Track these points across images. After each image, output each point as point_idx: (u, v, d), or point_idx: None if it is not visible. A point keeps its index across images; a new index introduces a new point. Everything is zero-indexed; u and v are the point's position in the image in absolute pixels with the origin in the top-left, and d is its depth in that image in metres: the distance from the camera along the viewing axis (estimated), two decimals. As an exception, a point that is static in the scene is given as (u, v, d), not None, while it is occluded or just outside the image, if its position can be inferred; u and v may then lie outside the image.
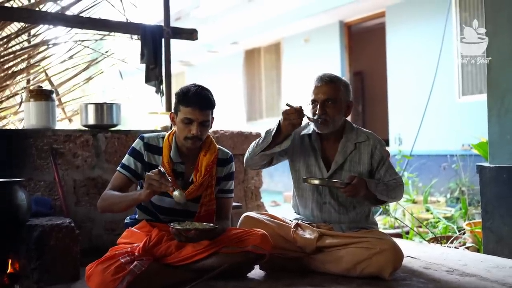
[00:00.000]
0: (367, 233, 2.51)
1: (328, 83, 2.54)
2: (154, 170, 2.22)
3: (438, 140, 7.18)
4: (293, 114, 2.37)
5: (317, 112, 2.52)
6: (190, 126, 2.34)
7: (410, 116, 7.45)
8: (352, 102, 2.65)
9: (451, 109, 7.22)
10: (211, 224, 2.36)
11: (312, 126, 2.67)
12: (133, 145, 2.49)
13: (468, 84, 7.18)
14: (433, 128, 6.96)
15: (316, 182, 2.48)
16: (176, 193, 2.21)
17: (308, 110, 2.58)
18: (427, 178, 6.55)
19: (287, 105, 2.41)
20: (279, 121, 2.42)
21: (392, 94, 8.27)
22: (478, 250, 3.63)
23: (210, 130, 3.69)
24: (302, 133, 2.70)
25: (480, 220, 4.36)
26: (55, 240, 2.49)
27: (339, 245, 2.46)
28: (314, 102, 2.56)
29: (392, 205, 5.15)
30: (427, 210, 5.21)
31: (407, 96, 7.90)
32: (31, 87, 3.43)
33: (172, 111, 2.44)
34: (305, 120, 2.50)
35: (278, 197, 8.21)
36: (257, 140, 2.57)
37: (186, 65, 12.76)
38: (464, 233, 4.15)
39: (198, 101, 2.33)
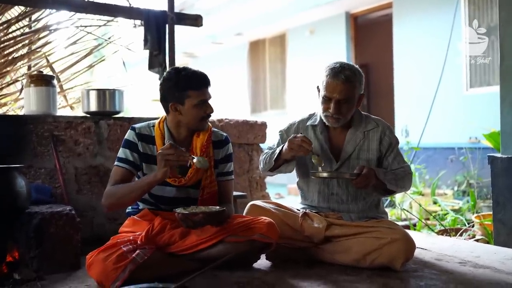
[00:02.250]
0: (377, 222, 2.43)
1: (344, 82, 2.37)
2: (164, 146, 2.16)
3: (445, 132, 7.08)
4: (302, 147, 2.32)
5: (330, 110, 2.41)
6: (204, 107, 2.32)
7: (416, 108, 7.35)
8: (364, 94, 2.52)
9: (459, 102, 7.11)
10: (218, 207, 2.28)
11: (317, 117, 2.58)
12: (125, 137, 2.41)
13: (476, 76, 7.07)
14: (440, 120, 6.86)
15: (325, 175, 2.37)
16: (196, 159, 2.15)
17: (318, 105, 2.50)
18: (434, 171, 6.48)
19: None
20: (282, 146, 2.41)
21: (398, 86, 8.16)
22: (487, 243, 3.55)
23: (215, 119, 3.64)
24: (307, 124, 2.61)
25: (489, 213, 4.29)
26: (55, 228, 2.41)
27: (348, 235, 2.38)
28: (327, 98, 2.43)
29: (398, 197, 5.08)
30: (435, 203, 5.13)
31: (413, 89, 7.79)
32: (32, 72, 3.34)
33: (171, 101, 2.32)
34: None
35: (282, 189, 8.15)
36: (265, 155, 2.56)
37: (190, 56, 12.66)
38: (473, 226, 4.07)
39: (204, 80, 2.32)
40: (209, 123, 2.46)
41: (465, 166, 6.09)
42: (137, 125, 2.42)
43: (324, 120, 2.51)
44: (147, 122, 2.46)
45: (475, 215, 4.28)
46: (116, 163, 2.37)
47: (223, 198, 2.49)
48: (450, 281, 2.16)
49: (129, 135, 2.40)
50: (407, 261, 2.33)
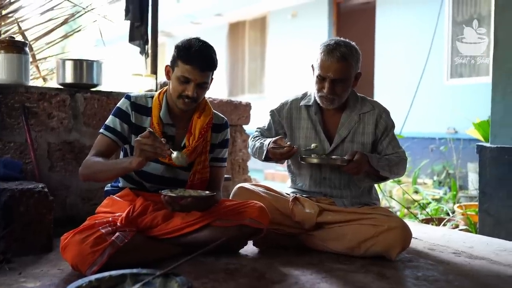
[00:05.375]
0: (372, 209, 2.31)
1: (340, 60, 2.23)
2: (143, 134, 1.94)
3: (423, 122, 7.08)
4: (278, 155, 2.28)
5: (324, 90, 2.28)
6: (186, 85, 2.09)
7: (396, 97, 7.31)
8: (361, 73, 2.39)
9: (438, 92, 7.11)
10: (207, 192, 2.13)
11: (312, 97, 2.44)
12: (118, 104, 2.22)
13: (456, 67, 7.06)
14: (418, 110, 6.83)
15: (315, 160, 2.28)
16: (175, 155, 1.93)
17: (312, 84, 2.36)
18: (411, 160, 6.46)
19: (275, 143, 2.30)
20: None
21: (378, 75, 8.12)
22: (470, 233, 3.52)
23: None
24: (300, 104, 2.47)
25: (469, 203, 4.27)
26: (26, 206, 2.21)
27: (342, 222, 2.27)
28: (321, 77, 2.28)
29: (381, 185, 5.01)
30: (416, 192, 5.09)
31: (394, 77, 7.75)
32: (2, 38, 3.08)
33: (169, 64, 2.18)
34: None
35: (259, 175, 8.00)
36: (254, 141, 2.48)
37: (167, 36, 12.32)
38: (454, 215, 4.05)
39: (199, 60, 2.07)
40: (211, 107, 2.29)
41: (444, 157, 6.08)
42: (133, 94, 2.23)
43: (318, 101, 2.37)
44: (145, 92, 2.28)
45: (457, 205, 4.25)
46: (102, 130, 2.18)
47: (212, 185, 2.33)
48: (448, 272, 2.06)
49: (122, 103, 2.21)
50: (403, 250, 2.22)
